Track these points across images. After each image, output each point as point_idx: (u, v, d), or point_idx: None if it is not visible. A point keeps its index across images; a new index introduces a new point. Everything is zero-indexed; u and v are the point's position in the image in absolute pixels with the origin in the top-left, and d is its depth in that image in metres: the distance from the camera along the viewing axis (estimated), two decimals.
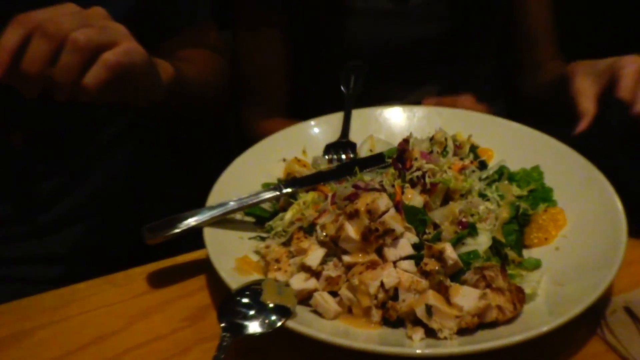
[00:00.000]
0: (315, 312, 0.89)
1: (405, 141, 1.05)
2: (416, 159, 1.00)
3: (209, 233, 0.96)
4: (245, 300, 0.87)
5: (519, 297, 0.86)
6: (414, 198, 0.97)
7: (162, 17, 1.26)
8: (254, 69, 1.46)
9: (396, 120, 1.24)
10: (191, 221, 0.97)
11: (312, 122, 1.22)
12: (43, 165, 1.17)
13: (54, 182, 1.17)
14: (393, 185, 0.98)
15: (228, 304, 0.86)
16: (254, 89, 1.49)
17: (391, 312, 0.87)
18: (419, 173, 0.99)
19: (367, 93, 1.30)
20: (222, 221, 0.99)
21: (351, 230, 0.91)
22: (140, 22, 1.18)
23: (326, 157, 1.16)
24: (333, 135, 1.21)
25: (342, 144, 1.18)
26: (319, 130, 1.21)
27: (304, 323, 0.84)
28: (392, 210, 0.92)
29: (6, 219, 1.16)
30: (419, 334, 0.84)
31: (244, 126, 1.50)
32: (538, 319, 0.84)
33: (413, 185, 0.99)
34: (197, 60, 1.29)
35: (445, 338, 0.82)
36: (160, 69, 1.03)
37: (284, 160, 1.14)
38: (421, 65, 1.41)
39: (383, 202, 0.92)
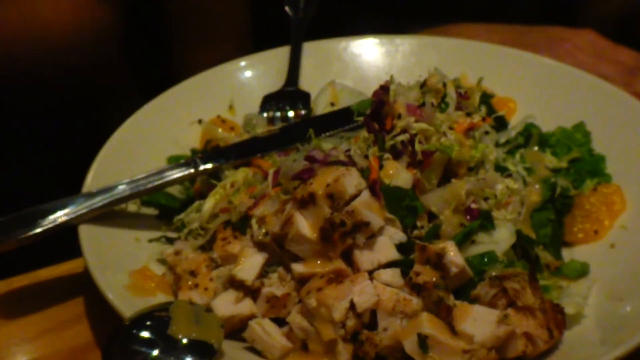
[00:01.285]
0: (253, 349, 0.89)
1: (384, 89, 1.05)
2: (400, 115, 1.00)
3: (87, 233, 0.96)
4: (145, 333, 0.85)
5: (557, 319, 0.86)
6: (399, 174, 0.97)
7: None
8: None
9: (370, 57, 1.26)
10: (60, 215, 0.97)
11: (243, 63, 1.24)
12: None
13: None
14: (366, 157, 0.98)
15: (119, 340, 0.85)
16: (195, 17, 1.53)
17: (367, 348, 0.87)
18: (404, 137, 0.99)
19: (328, 22, 1.32)
20: (108, 215, 1.00)
21: (304, 226, 0.91)
22: None
23: (265, 114, 1.18)
24: (275, 82, 1.22)
25: (289, 94, 1.20)
26: (253, 74, 1.23)
27: None
28: (366, 194, 0.92)
29: None
30: None
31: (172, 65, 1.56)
32: (586, 351, 0.84)
33: (396, 155, 0.99)
34: None
35: None
36: None
37: (200, 121, 1.15)
38: None
39: (352, 181, 0.92)
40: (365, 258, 0.92)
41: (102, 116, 1.49)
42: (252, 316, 0.91)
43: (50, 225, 0.96)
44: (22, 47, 1.24)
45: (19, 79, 1.28)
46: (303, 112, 1.16)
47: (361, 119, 1.06)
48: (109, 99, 1.48)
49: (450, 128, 1.01)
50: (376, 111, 1.04)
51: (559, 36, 1.33)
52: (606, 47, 1.35)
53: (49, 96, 1.38)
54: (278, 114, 1.17)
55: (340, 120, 1.11)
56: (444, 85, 1.06)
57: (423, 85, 1.07)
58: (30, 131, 1.43)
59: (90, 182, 1.02)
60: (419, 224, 0.95)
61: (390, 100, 1.03)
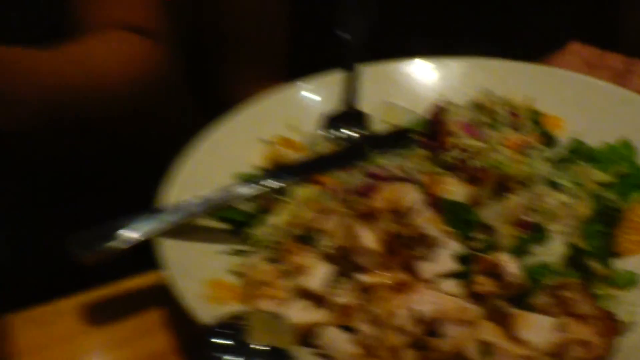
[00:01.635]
0: (323, 355, 0.89)
1: (439, 109, 1.06)
2: (455, 134, 1.01)
3: (166, 247, 0.96)
4: (223, 340, 0.84)
5: (612, 327, 0.85)
6: (455, 190, 0.98)
7: None
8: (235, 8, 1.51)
9: (422, 79, 1.26)
10: (140, 230, 0.97)
11: (303, 85, 1.23)
12: None
13: None
14: (424, 173, 0.99)
15: (200, 347, 0.85)
16: (237, 40, 1.53)
17: (431, 354, 0.86)
18: (459, 154, 1.00)
19: (378, 46, 1.31)
20: (182, 230, 1.00)
21: (368, 238, 0.91)
22: None
23: (325, 133, 1.18)
24: (333, 103, 1.23)
25: (347, 114, 1.20)
26: (312, 95, 1.23)
27: None
28: (425, 208, 0.93)
29: None
30: None
31: (223, 98, 1.54)
32: None
33: (452, 171, 1.00)
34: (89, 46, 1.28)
35: None
36: None
37: (265, 140, 1.16)
38: (455, 9, 1.44)
39: (411, 196, 0.93)
40: (426, 269, 0.91)
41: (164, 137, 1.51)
42: (321, 323, 0.91)
43: (130, 239, 0.96)
44: (80, 96, 1.23)
45: (81, 124, 1.28)
46: (361, 130, 1.17)
47: (417, 136, 1.06)
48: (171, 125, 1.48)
49: (503, 145, 1.01)
50: (431, 130, 1.04)
51: None
52: (593, 54, 1.34)
53: (114, 133, 1.38)
54: (338, 133, 1.17)
55: (396, 138, 1.11)
56: (495, 104, 1.07)
57: (475, 105, 1.07)
58: (97, 165, 1.42)
59: (163, 199, 1.03)
60: (475, 236, 0.95)
61: (445, 119, 1.03)
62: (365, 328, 0.88)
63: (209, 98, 1.61)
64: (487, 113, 1.06)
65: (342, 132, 1.17)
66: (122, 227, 0.97)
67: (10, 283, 1.20)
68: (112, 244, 0.95)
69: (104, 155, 1.41)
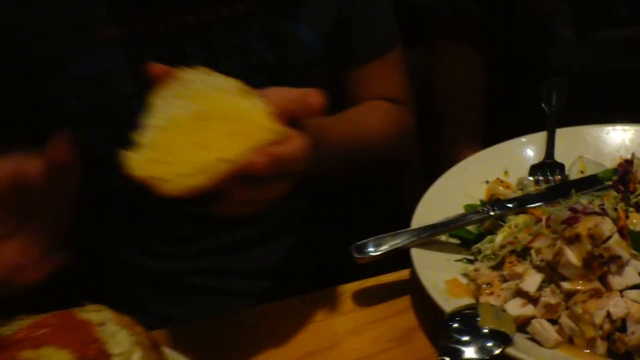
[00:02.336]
0: (533, 339, 0.94)
1: (628, 162, 1.10)
2: None
3: (416, 254, 1.05)
4: (458, 324, 0.94)
5: None
6: None
7: (356, 43, 1.35)
8: (451, 85, 1.58)
9: (605, 140, 1.29)
10: (398, 242, 1.07)
11: (513, 142, 1.28)
12: None
13: None
14: (616, 209, 1.02)
15: (441, 328, 0.93)
16: (451, 112, 1.60)
17: (619, 345, 0.91)
18: None
19: (567, 115, 1.35)
20: (428, 242, 1.08)
21: (572, 256, 0.96)
22: (334, 47, 1.33)
23: (532, 178, 1.22)
24: (536, 156, 1.27)
25: (549, 164, 1.23)
26: (520, 151, 1.28)
27: (523, 350, 0.90)
28: (616, 236, 0.96)
29: (212, 231, 1.32)
30: None
31: (438, 154, 1.62)
32: None
33: (638, 209, 1.03)
34: (376, 113, 1.35)
35: None
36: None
37: (487, 182, 1.21)
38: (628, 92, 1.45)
39: (607, 226, 0.96)
40: (616, 281, 0.95)
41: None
42: (533, 317, 0.96)
43: (392, 247, 1.06)
44: (361, 150, 1.30)
45: (357, 170, 1.33)
46: (560, 177, 1.20)
47: (610, 182, 1.10)
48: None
49: None
50: (622, 177, 1.08)
51: None
52: None
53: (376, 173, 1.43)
54: (541, 177, 1.20)
55: (589, 183, 1.14)
56: None
57: None
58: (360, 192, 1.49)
59: (415, 220, 1.11)
60: None
61: (633, 170, 1.07)
62: (566, 322, 0.94)
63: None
64: None
65: (545, 177, 1.21)
66: (387, 239, 1.07)
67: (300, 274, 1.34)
68: (382, 250, 1.06)
69: (363, 186, 1.50)
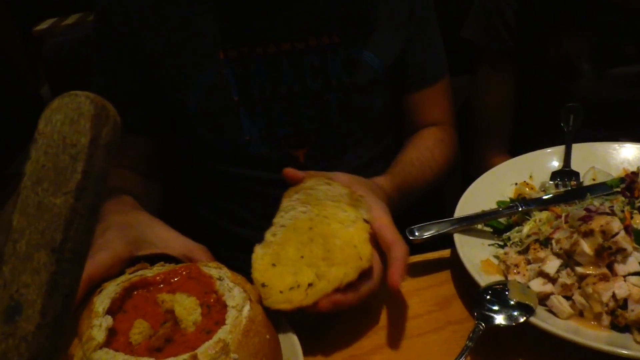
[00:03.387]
0: (550, 311, 0.93)
1: (635, 174, 1.06)
2: None
3: (458, 238, 1.04)
4: (490, 296, 0.93)
5: None
6: None
7: (411, 72, 1.33)
8: (486, 104, 1.55)
9: (612, 154, 1.25)
10: (444, 228, 1.06)
11: (538, 153, 1.26)
12: None
13: None
14: (622, 211, 0.99)
15: (477, 299, 0.92)
16: (485, 125, 1.57)
17: (620, 319, 0.89)
18: None
19: (582, 134, 1.32)
20: (467, 229, 1.07)
21: (586, 247, 0.94)
22: (398, 72, 1.31)
23: (552, 182, 1.19)
24: (556, 165, 1.24)
25: (567, 172, 1.21)
26: (543, 160, 1.25)
27: (542, 320, 0.89)
28: (623, 232, 0.93)
29: None
30: None
31: (473, 159, 1.59)
32: None
33: None
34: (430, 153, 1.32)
35: None
36: None
37: (516, 184, 1.19)
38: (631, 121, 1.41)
39: (616, 224, 0.94)
40: (621, 268, 0.93)
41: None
42: (551, 293, 0.95)
43: (438, 232, 1.04)
44: (432, 176, 1.31)
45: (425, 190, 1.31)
46: (575, 183, 1.16)
47: (618, 189, 1.07)
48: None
49: None
50: (629, 185, 1.05)
51: None
52: None
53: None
54: (560, 182, 1.17)
55: (600, 189, 1.11)
56: None
57: None
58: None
59: (457, 211, 1.10)
60: None
61: (639, 180, 1.04)
62: (578, 299, 0.92)
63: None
64: None
65: (563, 182, 1.19)
66: (434, 225, 1.06)
67: None
68: (429, 233, 1.05)
69: None
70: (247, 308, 0.79)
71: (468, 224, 1.07)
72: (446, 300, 1.02)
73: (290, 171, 0.97)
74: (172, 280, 0.84)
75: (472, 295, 0.94)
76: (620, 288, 0.90)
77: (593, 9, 1.37)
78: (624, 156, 1.25)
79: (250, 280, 0.88)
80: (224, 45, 1.17)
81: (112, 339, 0.75)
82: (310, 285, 0.85)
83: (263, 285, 0.87)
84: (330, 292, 0.81)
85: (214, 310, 0.75)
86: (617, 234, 0.93)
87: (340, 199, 0.93)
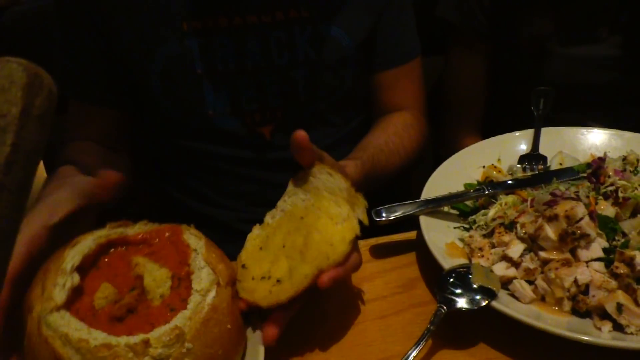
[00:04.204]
0: (513, 295, 0.92)
1: (601, 159, 1.05)
2: (609, 175, 1.01)
3: (423, 220, 1.02)
4: (454, 279, 0.91)
5: None
6: (607, 209, 0.97)
7: (380, 50, 1.29)
8: (459, 84, 1.53)
9: (580, 139, 1.24)
10: (409, 209, 1.04)
11: (507, 136, 1.24)
12: None
13: None
14: (588, 196, 0.98)
15: (440, 282, 0.91)
16: (457, 106, 1.55)
17: (581, 305, 0.88)
18: (612, 188, 0.99)
19: (551, 118, 1.31)
20: (433, 212, 1.06)
21: (550, 231, 0.93)
22: (365, 53, 1.27)
23: (520, 166, 1.18)
24: (524, 149, 1.23)
25: (535, 156, 1.19)
26: (512, 143, 1.24)
27: (504, 304, 0.88)
28: (587, 218, 0.93)
29: (261, 189, 1.29)
30: (607, 326, 0.85)
31: (444, 139, 1.57)
32: None
33: (606, 198, 0.99)
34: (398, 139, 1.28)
35: (632, 334, 0.83)
36: None
37: (483, 166, 1.18)
38: (600, 105, 1.41)
39: (580, 209, 0.93)
40: (584, 254, 0.92)
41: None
42: (514, 277, 0.94)
43: (405, 213, 1.03)
44: (397, 158, 1.28)
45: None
46: (543, 167, 1.15)
47: (583, 175, 1.06)
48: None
49: (639, 185, 1.00)
50: (595, 171, 1.04)
51: None
52: None
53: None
54: (528, 166, 1.16)
55: (566, 174, 1.11)
56: (638, 160, 1.06)
57: (624, 159, 1.06)
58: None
59: (424, 193, 1.08)
60: (617, 238, 0.95)
61: (605, 166, 1.03)
62: (541, 283, 0.91)
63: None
64: (631, 165, 1.05)
65: (530, 166, 1.17)
66: (400, 207, 1.04)
67: None
68: (396, 215, 1.03)
69: None
70: (212, 294, 0.75)
71: (434, 206, 1.06)
72: (410, 282, 1.01)
73: (300, 135, 0.82)
74: (153, 242, 0.80)
75: (437, 278, 0.93)
76: (583, 274, 0.90)
77: None
78: (592, 142, 1.24)
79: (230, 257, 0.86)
80: (187, 16, 1.12)
81: (75, 299, 0.71)
82: (278, 281, 0.81)
83: (243, 266, 0.85)
84: (290, 296, 0.78)
85: (184, 285, 0.73)
86: (581, 219, 0.92)
87: (339, 192, 0.89)
